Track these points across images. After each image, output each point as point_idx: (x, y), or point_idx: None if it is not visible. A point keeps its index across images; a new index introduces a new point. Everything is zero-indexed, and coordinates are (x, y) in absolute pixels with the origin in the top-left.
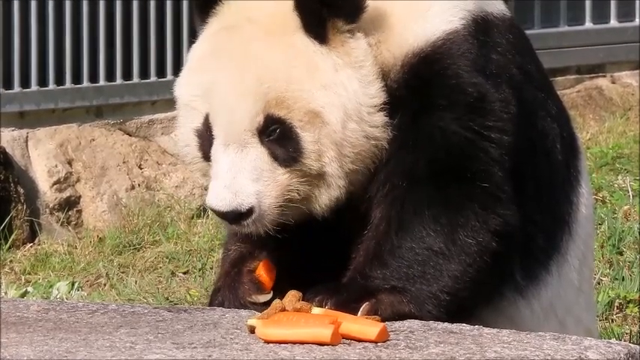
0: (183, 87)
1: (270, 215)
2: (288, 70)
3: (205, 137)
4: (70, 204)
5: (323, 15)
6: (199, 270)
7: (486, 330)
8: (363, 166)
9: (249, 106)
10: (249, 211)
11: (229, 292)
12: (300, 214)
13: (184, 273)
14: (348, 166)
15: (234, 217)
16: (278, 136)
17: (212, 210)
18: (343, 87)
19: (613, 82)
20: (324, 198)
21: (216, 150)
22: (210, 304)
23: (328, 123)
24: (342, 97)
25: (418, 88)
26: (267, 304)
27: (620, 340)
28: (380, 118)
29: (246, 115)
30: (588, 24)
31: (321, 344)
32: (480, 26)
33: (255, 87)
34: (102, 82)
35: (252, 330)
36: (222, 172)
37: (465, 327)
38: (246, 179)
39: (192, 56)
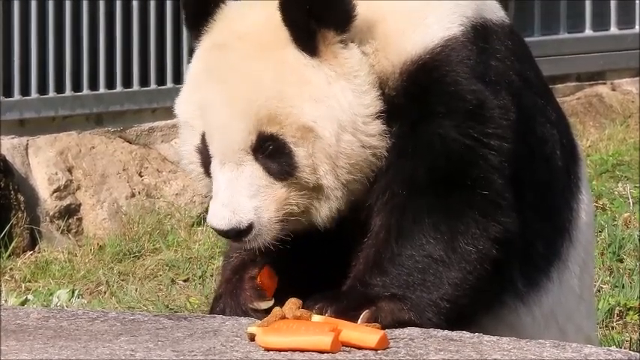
0: (182, 105)
1: (271, 230)
2: (279, 86)
3: (205, 154)
4: (70, 212)
5: (312, 27)
6: (199, 277)
7: (486, 337)
8: (361, 175)
9: (242, 126)
10: (249, 228)
11: (231, 299)
12: (301, 227)
13: (184, 281)
14: (344, 177)
15: (235, 234)
16: (272, 151)
17: (213, 229)
18: (336, 99)
19: (613, 90)
20: (324, 210)
21: (214, 168)
22: (212, 311)
23: (321, 137)
24: (335, 110)
25: (417, 95)
26: (269, 311)
27: (621, 348)
28: (376, 126)
29: (239, 135)
30: (588, 31)
31: (321, 352)
32: (479, 33)
33: (247, 107)
34: (102, 89)
35: (252, 338)
36: (220, 190)
37: (465, 334)
38: (243, 196)
39: (189, 74)
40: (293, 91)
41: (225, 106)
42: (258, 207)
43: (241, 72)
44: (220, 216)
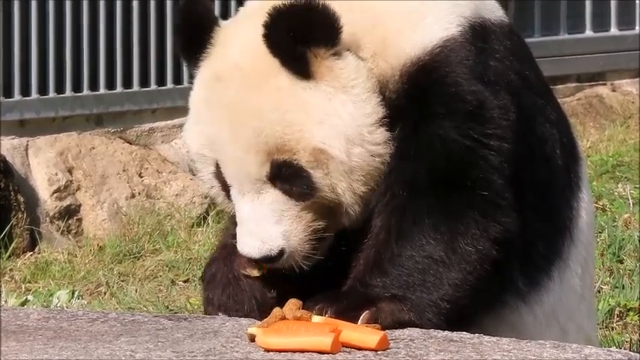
0: (190, 137)
1: (302, 250)
2: (281, 114)
3: (223, 181)
4: (70, 212)
5: (298, 51)
6: (199, 278)
7: (486, 338)
8: (373, 183)
9: (253, 159)
10: (281, 253)
11: (224, 264)
12: (330, 242)
13: (184, 281)
14: (361, 190)
15: (268, 260)
16: (289, 176)
17: (245, 257)
18: (338, 115)
19: (613, 90)
20: (345, 222)
21: (234, 197)
22: (204, 274)
23: (333, 156)
24: (339, 126)
25: (417, 97)
26: (260, 278)
27: (621, 349)
28: (382, 134)
29: (252, 167)
30: (588, 32)
31: (322, 352)
32: (478, 32)
33: (254, 140)
34: (102, 90)
35: (252, 338)
36: (246, 220)
37: (466, 335)
38: (269, 224)
39: (192, 104)
40: (295, 116)
41: (233, 142)
42: (286, 231)
43: (242, 106)
44: (250, 245)
